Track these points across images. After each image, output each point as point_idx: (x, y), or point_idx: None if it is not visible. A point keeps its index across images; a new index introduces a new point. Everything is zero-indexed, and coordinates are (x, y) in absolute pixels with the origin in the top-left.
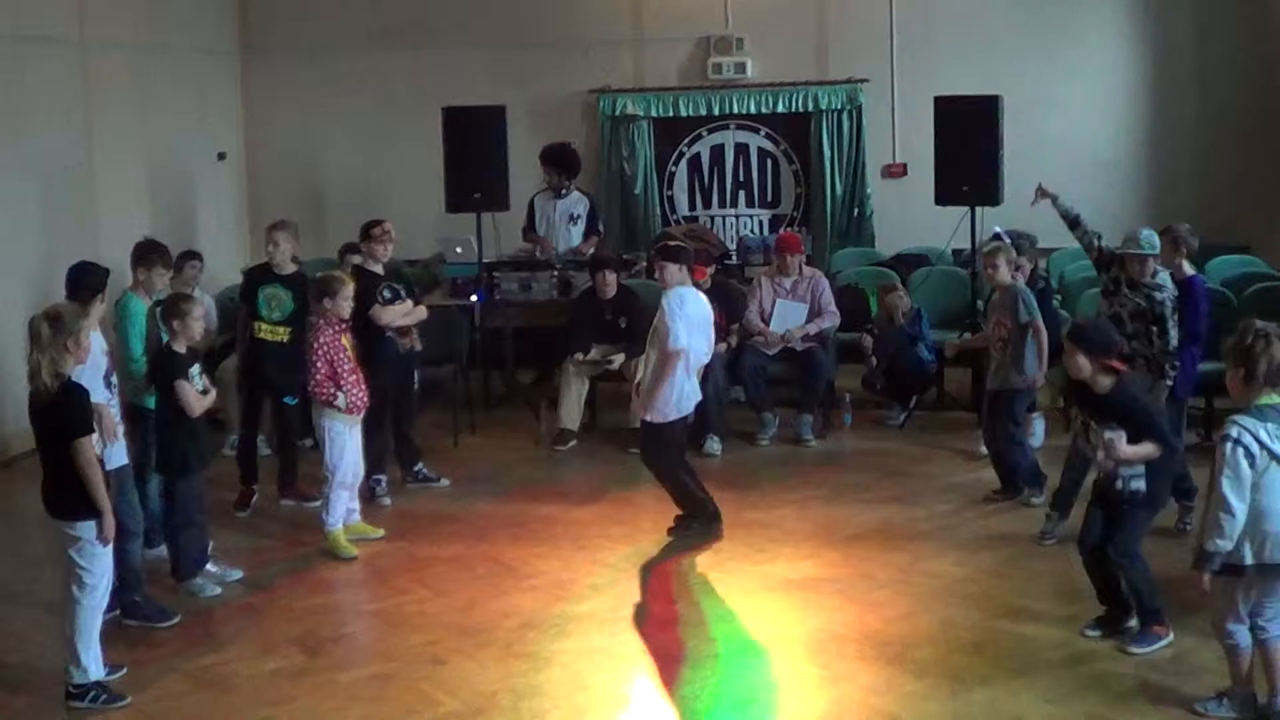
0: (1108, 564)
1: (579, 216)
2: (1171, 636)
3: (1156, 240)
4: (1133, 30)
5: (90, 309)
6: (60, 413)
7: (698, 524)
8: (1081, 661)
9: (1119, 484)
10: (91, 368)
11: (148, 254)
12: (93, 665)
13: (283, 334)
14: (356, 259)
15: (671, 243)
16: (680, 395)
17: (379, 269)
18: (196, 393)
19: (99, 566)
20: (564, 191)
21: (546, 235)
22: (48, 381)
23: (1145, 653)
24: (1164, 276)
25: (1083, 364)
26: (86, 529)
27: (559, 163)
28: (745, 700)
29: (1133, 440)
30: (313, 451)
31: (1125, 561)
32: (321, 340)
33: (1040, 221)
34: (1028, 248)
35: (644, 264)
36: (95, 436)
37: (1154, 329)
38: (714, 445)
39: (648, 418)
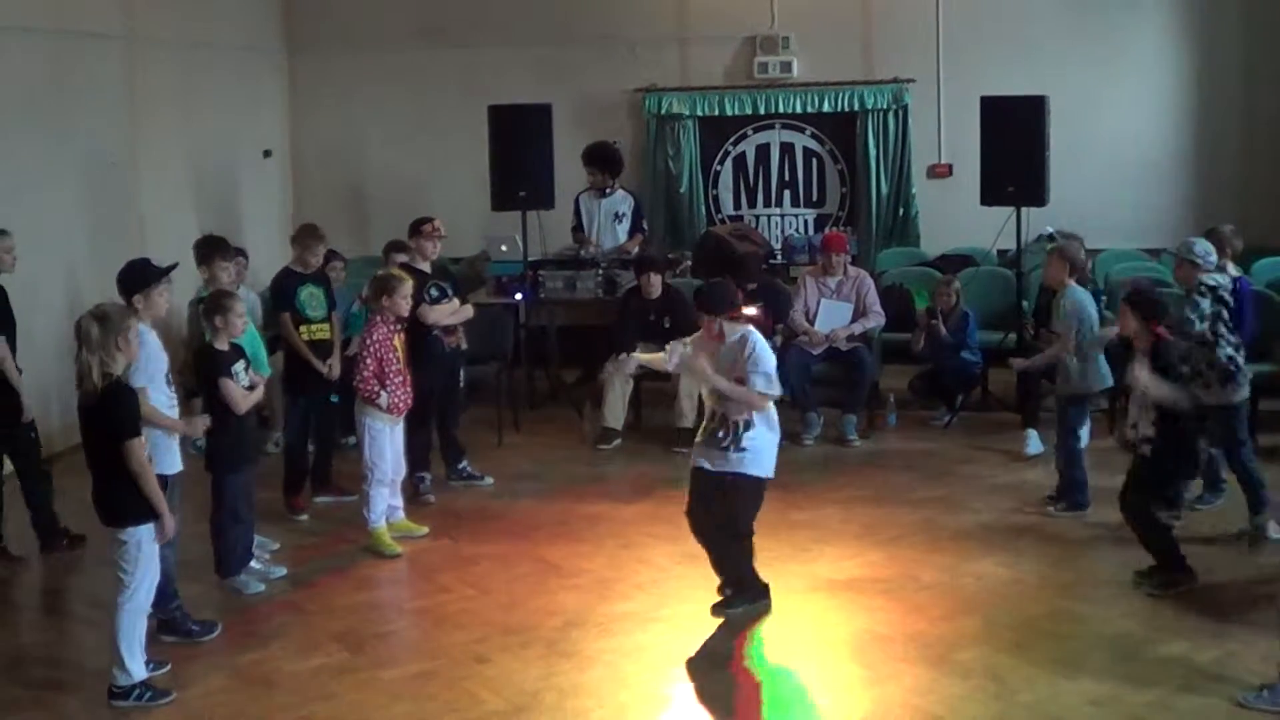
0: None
1: (623, 215)
2: (1193, 583)
3: (1209, 251)
4: (1179, 31)
5: (144, 305)
6: (109, 414)
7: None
8: (1126, 662)
9: (1132, 431)
10: (154, 364)
11: (207, 250)
12: (135, 667)
13: (326, 331)
14: (402, 257)
15: (703, 286)
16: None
17: (426, 267)
18: (241, 389)
19: (140, 570)
20: (608, 190)
21: (591, 233)
22: (97, 382)
23: (1159, 594)
24: (1216, 277)
25: (1131, 323)
26: (131, 534)
27: (601, 161)
28: (789, 700)
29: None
30: (354, 449)
31: (1135, 521)
32: (375, 337)
33: (1086, 222)
34: (1080, 261)
35: (689, 264)
36: (144, 439)
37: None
38: None
39: (754, 471)
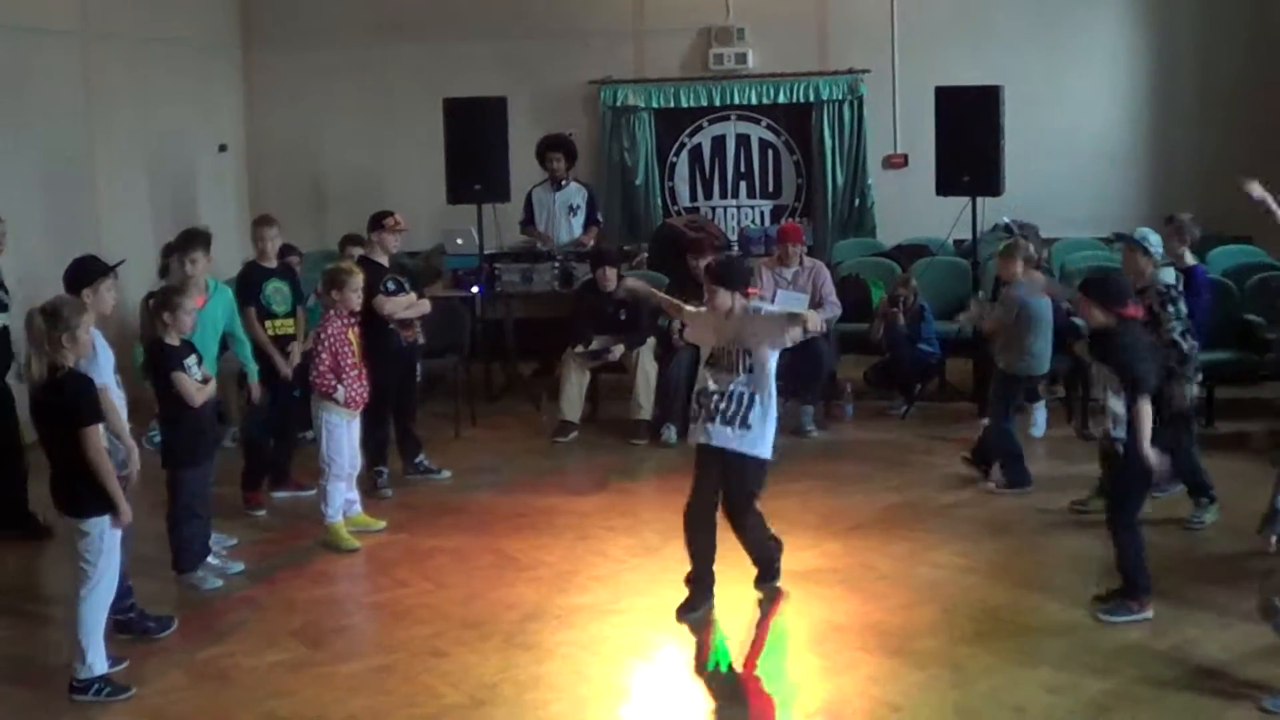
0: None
1: (578, 207)
2: (1149, 614)
3: (1154, 242)
4: (1134, 20)
5: (92, 301)
6: (65, 403)
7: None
8: (1085, 651)
9: (1110, 430)
10: (104, 363)
11: (191, 241)
12: (96, 660)
13: (291, 325)
14: (359, 250)
15: (721, 260)
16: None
17: (384, 260)
18: (195, 383)
19: (103, 562)
20: (564, 182)
21: (546, 227)
22: (36, 375)
23: (1114, 621)
24: (1164, 272)
25: (1096, 314)
26: (93, 524)
27: (566, 148)
28: (747, 691)
29: (1122, 388)
30: (313, 444)
31: (1115, 530)
32: (329, 331)
33: (1042, 212)
34: (1031, 238)
35: (645, 255)
36: (102, 428)
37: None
38: None
39: (755, 451)
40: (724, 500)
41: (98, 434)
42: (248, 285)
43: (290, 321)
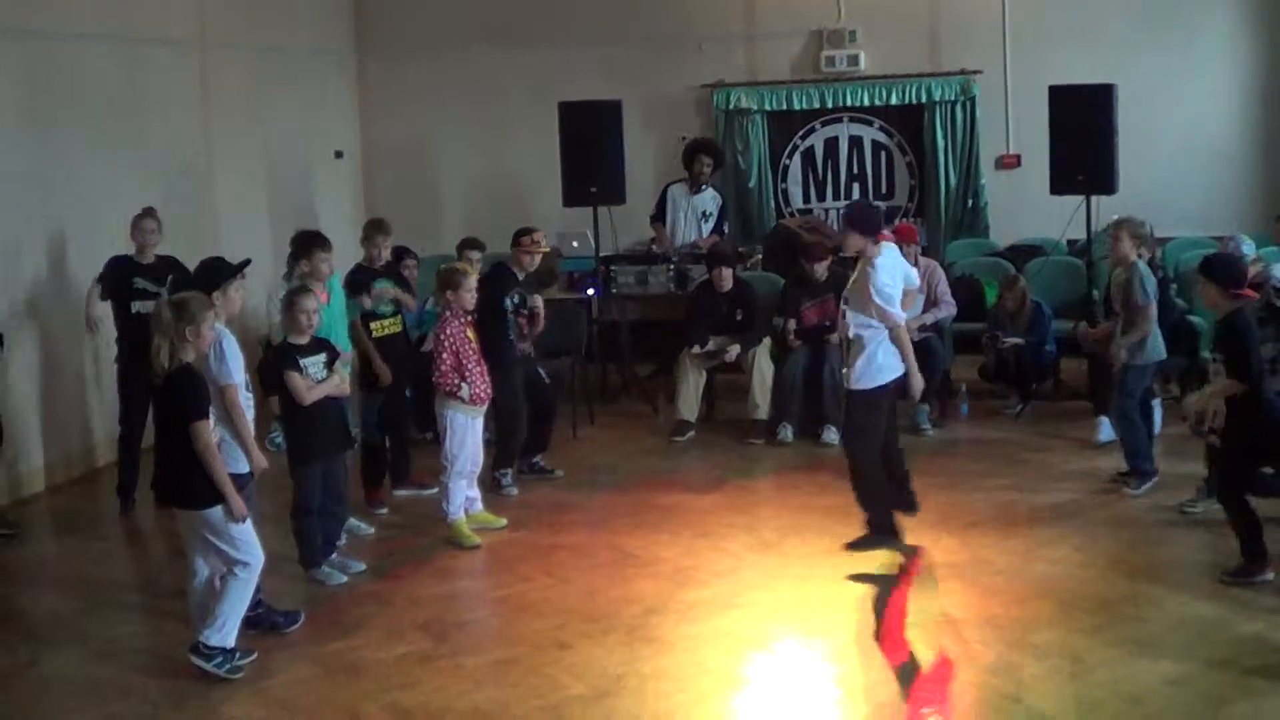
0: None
1: (710, 215)
2: (1270, 575)
3: (1245, 252)
4: (1249, 17)
5: (221, 303)
6: (176, 396)
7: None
8: (1204, 643)
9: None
10: (234, 365)
11: (307, 243)
12: (230, 633)
13: (398, 325)
14: (475, 253)
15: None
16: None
17: (520, 273)
18: (308, 382)
19: (245, 543)
20: (704, 186)
21: (673, 226)
22: (163, 364)
23: (1235, 581)
24: (1276, 267)
25: (1214, 294)
26: (214, 512)
27: (715, 153)
28: (865, 683)
29: (1229, 373)
30: (433, 444)
31: (1224, 502)
32: (448, 331)
33: (1155, 211)
34: (1146, 236)
35: (759, 257)
36: (213, 422)
37: None
38: (831, 435)
39: (860, 385)
40: None
41: (206, 428)
42: (354, 287)
43: (397, 321)
